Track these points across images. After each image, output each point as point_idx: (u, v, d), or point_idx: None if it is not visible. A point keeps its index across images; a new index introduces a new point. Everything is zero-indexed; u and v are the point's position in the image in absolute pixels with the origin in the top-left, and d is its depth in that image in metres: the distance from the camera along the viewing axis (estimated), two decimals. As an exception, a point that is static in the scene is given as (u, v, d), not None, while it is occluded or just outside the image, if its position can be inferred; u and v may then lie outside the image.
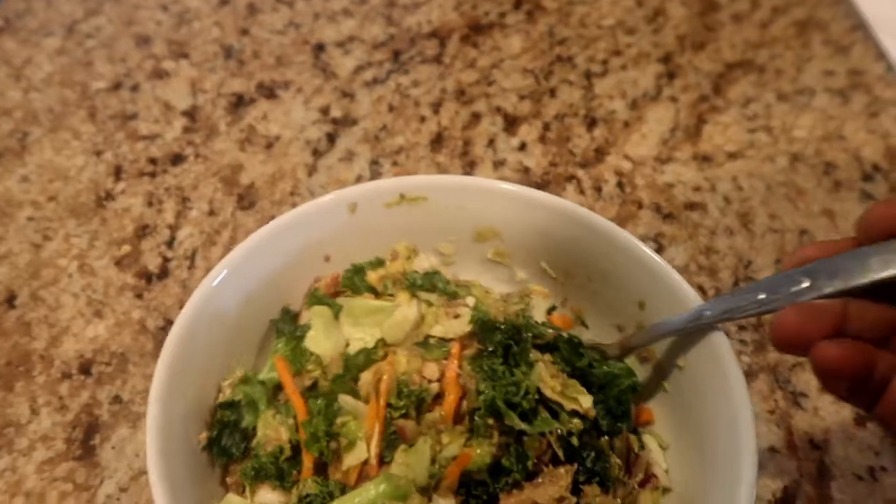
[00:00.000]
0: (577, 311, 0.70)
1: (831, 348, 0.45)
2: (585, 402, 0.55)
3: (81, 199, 0.91)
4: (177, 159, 0.97)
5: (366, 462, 0.53)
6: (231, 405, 0.58)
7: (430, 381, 0.55)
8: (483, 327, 0.57)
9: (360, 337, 0.58)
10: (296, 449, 0.55)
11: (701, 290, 0.85)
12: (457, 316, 0.58)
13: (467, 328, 0.57)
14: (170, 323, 0.78)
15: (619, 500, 0.55)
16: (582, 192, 0.95)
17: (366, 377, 0.55)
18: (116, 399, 0.71)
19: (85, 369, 0.74)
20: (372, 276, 0.64)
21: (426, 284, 0.62)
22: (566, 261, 0.68)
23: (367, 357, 0.56)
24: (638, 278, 0.63)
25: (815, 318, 0.46)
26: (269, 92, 1.07)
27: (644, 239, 0.90)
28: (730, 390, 0.55)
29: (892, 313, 0.47)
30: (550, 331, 0.60)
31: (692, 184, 0.96)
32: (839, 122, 1.05)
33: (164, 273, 0.83)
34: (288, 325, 0.63)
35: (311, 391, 0.57)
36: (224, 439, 0.57)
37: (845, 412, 0.73)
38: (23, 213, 0.89)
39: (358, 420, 0.53)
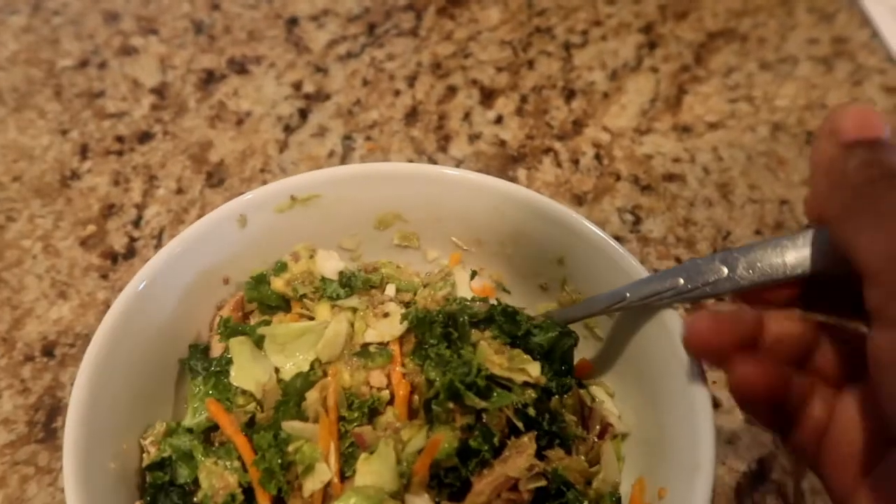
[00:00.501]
0: (496, 277, 0.67)
1: (748, 366, 0.43)
2: (534, 370, 0.54)
3: (46, 179, 0.89)
4: (144, 137, 0.95)
5: (328, 483, 0.50)
6: (160, 464, 0.53)
7: (379, 389, 0.53)
8: (419, 323, 0.55)
9: (292, 363, 0.54)
10: (248, 492, 0.51)
11: (678, 261, 0.84)
12: (386, 314, 0.56)
13: (401, 328, 0.55)
14: (136, 303, 0.76)
15: (583, 458, 0.55)
16: (559, 164, 0.94)
17: (311, 395, 0.52)
18: (80, 381, 0.70)
19: (48, 351, 0.72)
20: (277, 283, 0.60)
21: (343, 290, 0.60)
22: (475, 230, 0.66)
23: (306, 380, 0.53)
24: (553, 235, 0.62)
25: (730, 327, 0.44)
26: (240, 67, 1.05)
27: (621, 211, 0.89)
28: (672, 336, 0.53)
29: (809, 330, 0.45)
30: (483, 306, 0.58)
31: (671, 155, 0.95)
32: (822, 90, 1.03)
33: (130, 253, 0.81)
34: (200, 362, 0.58)
35: (249, 427, 0.53)
36: (161, 502, 0.52)
37: (823, 383, 0.72)
38: (-14, 193, 0.87)
39: (311, 442, 0.51)
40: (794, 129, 0.98)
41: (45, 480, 0.63)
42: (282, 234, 0.63)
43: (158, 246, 0.82)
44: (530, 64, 1.07)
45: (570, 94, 1.03)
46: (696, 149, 0.95)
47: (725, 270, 0.49)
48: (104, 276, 0.79)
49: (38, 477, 0.63)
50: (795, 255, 0.46)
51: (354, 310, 0.57)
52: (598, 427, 0.58)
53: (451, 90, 1.03)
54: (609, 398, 0.60)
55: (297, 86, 1.03)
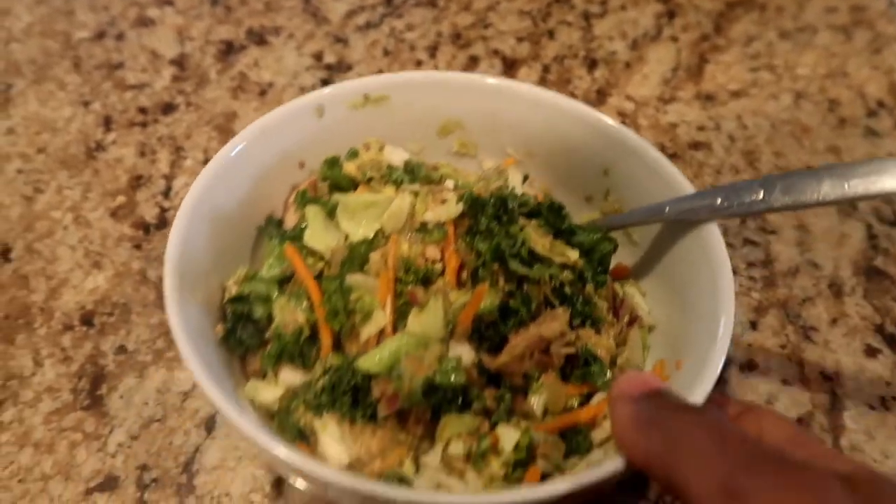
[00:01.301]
0: (543, 188, 0.73)
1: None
2: (573, 255, 0.60)
3: (71, 151, 0.88)
4: (168, 108, 0.94)
5: (381, 332, 0.55)
6: (240, 299, 0.60)
7: (433, 262, 0.58)
8: (473, 204, 0.59)
9: (359, 230, 0.60)
10: (312, 330, 0.58)
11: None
12: (443, 201, 0.61)
13: (458, 210, 0.59)
14: (171, 272, 0.76)
15: (611, 339, 0.60)
16: (585, 133, 0.94)
17: (374, 257, 0.58)
18: (121, 349, 0.70)
19: (87, 320, 0.72)
20: (349, 167, 0.66)
21: (407, 176, 0.64)
22: (528, 141, 0.72)
23: (370, 245, 0.59)
24: (600, 147, 0.67)
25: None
26: (259, 38, 1.04)
27: (649, 179, 0.89)
28: (704, 236, 0.59)
29: (799, 434, 0.45)
30: (532, 198, 0.64)
31: (696, 123, 0.95)
32: (842, 58, 1.04)
33: (162, 223, 0.81)
34: (276, 230, 0.65)
35: (317, 280, 0.59)
36: (239, 331, 0.59)
37: (856, 344, 0.73)
38: (11, 165, 0.86)
39: (370, 294, 0.56)
40: (816, 98, 0.98)
41: (94, 446, 0.63)
42: (354, 129, 0.69)
43: (190, 216, 0.81)
44: (551, 34, 1.07)
45: (592, 64, 1.03)
46: (720, 117, 0.96)
47: (762, 193, 0.54)
48: (137, 247, 0.78)
49: (86, 443, 0.64)
50: (830, 184, 0.51)
51: (416, 193, 0.62)
52: (627, 317, 0.63)
53: (473, 60, 1.02)
54: (640, 296, 0.65)
55: (318, 56, 1.02)
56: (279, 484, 0.62)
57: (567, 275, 0.59)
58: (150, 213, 0.82)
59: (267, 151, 0.65)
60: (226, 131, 0.92)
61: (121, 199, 0.83)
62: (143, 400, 0.66)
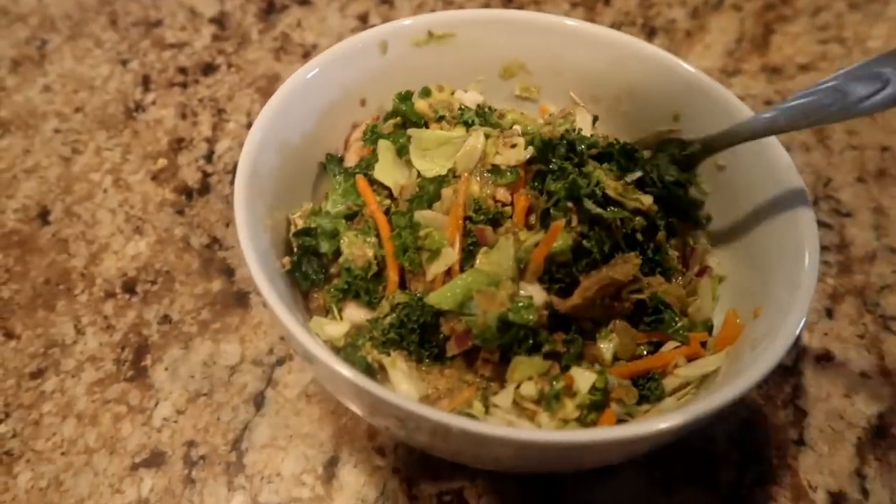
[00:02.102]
0: (607, 135, 0.69)
1: None
2: (646, 200, 0.58)
3: (110, 111, 0.85)
4: (208, 69, 0.90)
5: (449, 270, 0.55)
6: (307, 232, 0.59)
7: (503, 204, 0.57)
8: (543, 148, 0.58)
9: (432, 167, 0.59)
10: (379, 267, 0.57)
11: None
12: (513, 145, 0.59)
13: (528, 153, 0.58)
14: (215, 240, 0.73)
15: (682, 288, 0.59)
16: (645, 105, 0.89)
17: (446, 192, 0.57)
18: (165, 319, 0.67)
19: (129, 288, 0.69)
20: (420, 104, 0.65)
21: (479, 119, 0.63)
22: (593, 85, 0.69)
23: (441, 184, 0.58)
24: (671, 90, 0.65)
25: None
26: (302, -2, 0.99)
27: (714, 155, 0.85)
28: (784, 179, 0.57)
29: None
30: (603, 141, 0.61)
31: (763, 97, 0.90)
32: (917, 32, 0.98)
33: (205, 188, 0.77)
34: (337, 167, 0.64)
35: (385, 216, 0.59)
36: (304, 265, 0.59)
37: (938, 336, 0.69)
38: (48, 124, 0.83)
39: (439, 231, 0.55)
40: (890, 73, 0.93)
41: (139, 420, 0.61)
42: (417, 67, 0.67)
43: (233, 182, 0.78)
44: (607, 0, 1.02)
45: (650, 32, 0.98)
46: (787, 91, 0.91)
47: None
48: (180, 212, 0.75)
49: (130, 416, 0.61)
50: None
51: (487, 136, 0.60)
52: (697, 267, 0.62)
53: (526, 25, 0.97)
54: (711, 247, 0.63)
55: (363, 18, 0.98)
56: (331, 464, 0.59)
57: (640, 220, 0.57)
58: (192, 178, 0.78)
59: (331, 85, 0.64)
60: (269, 94, 0.86)
61: (162, 162, 0.80)
62: (189, 373, 0.64)
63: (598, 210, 0.54)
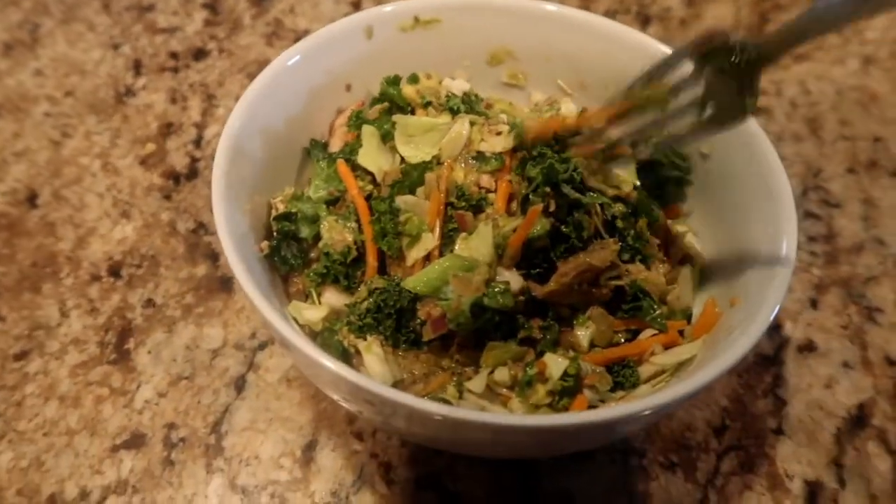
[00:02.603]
0: None
1: None
2: (626, 185, 0.58)
3: (100, 95, 0.85)
4: (199, 54, 0.90)
5: (428, 256, 0.55)
6: (287, 217, 0.59)
7: (487, 191, 0.57)
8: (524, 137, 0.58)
9: (416, 154, 0.59)
10: (359, 252, 0.57)
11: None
12: (498, 133, 0.59)
13: (512, 141, 0.58)
14: (201, 226, 0.73)
15: (662, 276, 0.58)
16: (637, 93, 0.89)
17: (429, 177, 0.57)
18: (149, 303, 0.67)
19: (114, 271, 0.70)
20: (408, 89, 0.64)
21: (464, 106, 0.63)
22: (581, 73, 0.69)
23: (424, 170, 0.58)
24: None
25: None
26: (295, -17, 0.99)
27: (705, 144, 0.84)
28: (765, 168, 0.56)
29: None
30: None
31: (756, 87, 0.89)
32: (915, 22, 0.97)
33: (192, 174, 0.78)
34: (321, 152, 0.64)
35: (366, 201, 0.59)
36: (283, 249, 0.59)
37: (923, 328, 0.68)
38: (39, 108, 0.83)
39: (419, 216, 0.55)
40: (886, 63, 0.92)
41: (121, 402, 0.61)
42: (403, 53, 0.67)
43: (221, 167, 0.78)
44: (602, -13, 1.01)
45: (645, 20, 0.97)
46: (782, 81, 0.90)
47: None
48: (167, 197, 0.75)
49: (112, 398, 0.62)
50: None
51: (473, 123, 0.60)
52: (679, 255, 0.62)
53: (520, 13, 0.97)
54: (692, 235, 0.63)
55: (356, 4, 0.97)
56: (310, 448, 0.59)
57: (619, 207, 0.57)
58: (180, 163, 0.79)
59: (316, 70, 0.64)
60: (259, 80, 0.88)
61: (150, 146, 0.80)
62: (172, 356, 0.64)
63: (576, 195, 0.54)
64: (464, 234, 0.55)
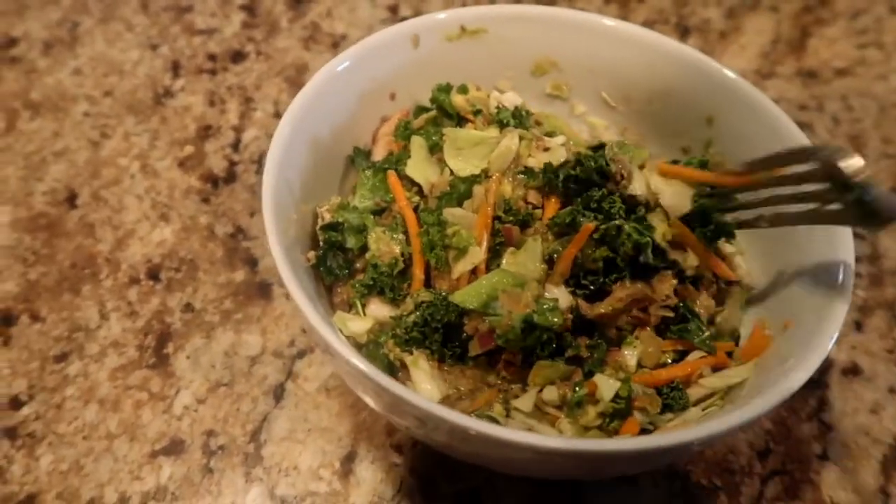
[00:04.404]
0: (638, 139, 0.70)
1: None
2: (692, 260, 0.56)
3: (139, 96, 0.85)
4: (237, 56, 0.90)
5: (475, 270, 0.54)
6: (334, 227, 0.59)
7: (534, 207, 0.57)
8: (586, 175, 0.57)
9: (464, 167, 0.59)
10: (406, 264, 0.57)
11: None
12: (547, 149, 0.58)
13: (561, 158, 0.58)
14: (240, 230, 0.73)
15: (711, 298, 0.58)
16: (676, 106, 0.88)
17: (477, 190, 0.57)
18: (188, 307, 0.67)
19: (153, 274, 0.69)
20: (458, 98, 0.64)
21: (514, 121, 0.62)
22: (625, 86, 0.68)
23: (472, 183, 0.58)
24: (706, 94, 0.64)
25: None
26: (333, -13, 0.99)
27: (746, 160, 0.83)
28: None
29: None
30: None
31: (797, 102, 0.88)
32: (960, 38, 0.95)
33: (230, 177, 0.78)
34: (365, 161, 0.64)
35: (414, 213, 0.59)
36: (329, 259, 0.59)
37: (970, 354, 0.67)
38: (78, 107, 0.83)
39: (467, 230, 0.55)
40: (930, 80, 0.91)
41: (160, 407, 0.61)
42: (448, 63, 0.67)
43: (259, 171, 0.78)
44: (640, -3, 1.00)
45: (684, 32, 0.96)
46: (823, 96, 0.89)
47: None
48: (205, 200, 0.75)
49: (151, 403, 0.61)
50: None
51: (521, 137, 0.59)
52: (727, 277, 0.60)
53: (558, 21, 0.96)
54: (740, 255, 0.62)
55: (394, 9, 0.97)
56: (349, 460, 0.59)
57: (668, 230, 0.55)
58: (218, 166, 0.78)
59: (363, 77, 0.63)
60: (297, 84, 0.87)
61: (189, 149, 0.80)
62: (211, 362, 0.64)
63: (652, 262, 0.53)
64: (511, 249, 0.54)
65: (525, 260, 0.54)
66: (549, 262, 0.54)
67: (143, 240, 0.72)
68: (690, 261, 0.55)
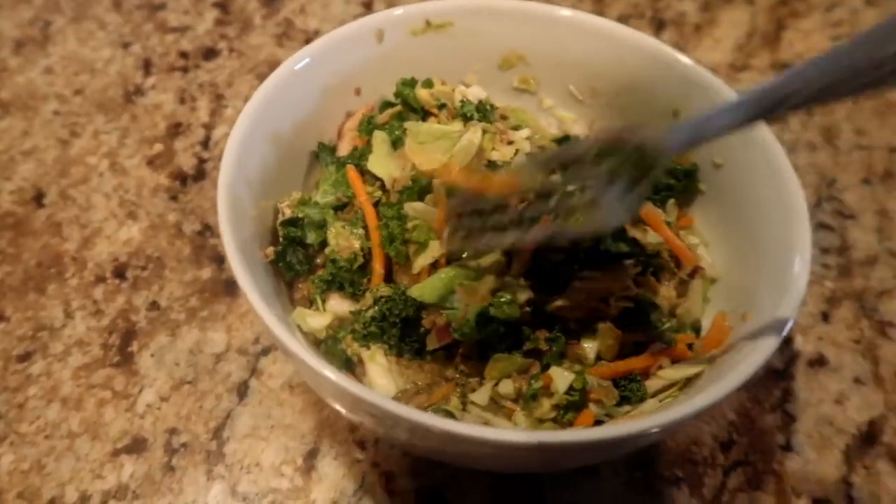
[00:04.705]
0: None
1: None
2: (653, 239, 0.57)
3: (109, 94, 0.85)
4: (209, 53, 0.90)
5: (435, 263, 0.54)
6: (293, 223, 0.59)
7: None
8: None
9: (427, 161, 0.58)
10: (365, 259, 0.57)
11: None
12: (510, 142, 0.58)
13: (525, 151, 0.57)
14: (207, 228, 0.73)
15: (673, 290, 0.58)
16: (649, 99, 0.88)
17: (437, 185, 0.56)
18: (154, 305, 0.67)
19: (119, 273, 0.69)
20: (422, 92, 0.64)
21: (478, 114, 0.62)
22: (593, 79, 0.68)
23: (434, 177, 0.57)
24: (670, 85, 0.63)
25: None
26: (306, -17, 0.98)
27: (717, 152, 0.83)
28: (780, 181, 0.55)
29: None
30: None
31: (770, 94, 0.88)
32: (934, 29, 0.95)
33: (200, 175, 0.77)
34: (329, 156, 0.64)
35: (374, 207, 0.59)
36: (289, 255, 0.58)
37: (937, 344, 0.67)
38: (48, 106, 0.83)
39: (427, 224, 0.54)
40: (904, 71, 0.90)
41: (123, 406, 0.61)
42: (414, 57, 0.66)
43: (228, 169, 0.78)
44: (615, -10, 1.00)
45: (659, 25, 0.96)
46: (796, 88, 0.89)
47: None
48: (174, 198, 0.75)
49: (114, 402, 0.61)
50: None
51: (485, 131, 0.59)
52: (689, 267, 0.60)
53: (532, 15, 0.96)
54: (703, 246, 0.62)
55: (367, 4, 0.97)
56: (311, 456, 0.59)
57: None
58: (187, 164, 0.78)
59: (325, 73, 0.63)
60: (268, 80, 0.87)
61: (158, 147, 0.80)
62: (175, 360, 0.64)
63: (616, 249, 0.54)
64: None
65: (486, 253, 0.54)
66: (509, 255, 0.54)
67: (110, 238, 0.72)
68: (651, 238, 0.55)
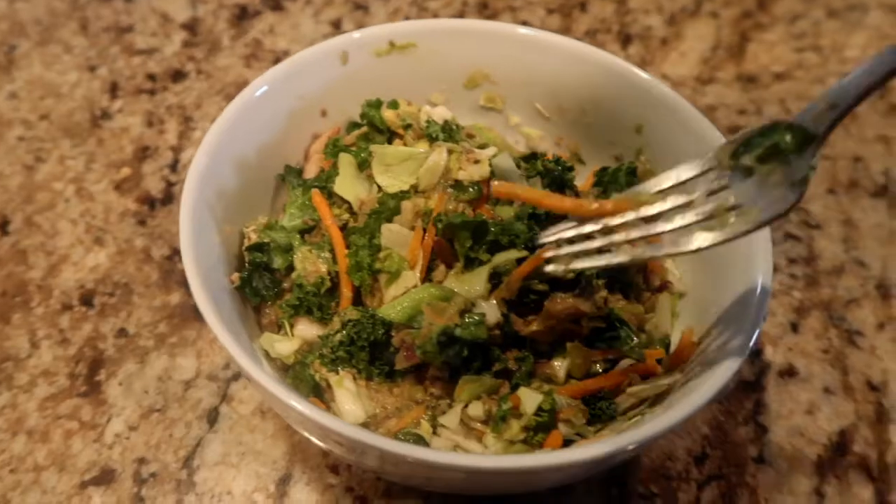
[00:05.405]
0: (573, 148, 0.71)
1: None
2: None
3: (76, 118, 0.84)
4: (177, 75, 0.89)
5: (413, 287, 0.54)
6: (259, 248, 0.58)
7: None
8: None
9: (393, 183, 0.58)
10: (333, 283, 0.57)
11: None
12: (476, 161, 0.58)
13: (489, 170, 0.58)
14: (176, 252, 0.72)
15: (641, 306, 0.58)
16: (617, 114, 0.88)
17: (406, 206, 0.56)
18: (122, 332, 0.66)
19: (86, 300, 0.68)
20: (388, 113, 0.64)
21: (444, 135, 0.62)
22: (559, 96, 0.69)
23: (401, 199, 0.57)
24: (634, 103, 0.65)
25: None
26: (275, 3, 0.98)
27: (685, 165, 0.84)
28: None
29: None
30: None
31: (736, 106, 0.89)
32: (894, 40, 0.97)
33: (168, 198, 0.77)
34: (296, 179, 0.64)
35: (342, 231, 0.58)
36: (255, 281, 0.58)
37: (904, 351, 0.68)
38: (12, 132, 0.82)
39: (400, 251, 0.54)
40: (866, 82, 0.92)
41: (91, 436, 0.60)
42: (378, 79, 0.67)
43: (197, 191, 0.77)
44: (582, 6, 1.01)
45: (626, 39, 0.97)
46: (762, 100, 0.90)
47: None
48: (141, 223, 0.74)
49: (82, 432, 0.60)
50: None
51: (450, 151, 0.59)
52: (658, 282, 0.61)
53: (500, 32, 0.96)
54: (671, 261, 0.62)
55: (336, 24, 0.97)
56: (283, 483, 0.58)
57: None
58: (155, 188, 0.78)
59: (289, 96, 0.63)
60: (237, 102, 0.87)
61: (125, 170, 0.79)
62: (143, 388, 0.63)
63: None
64: (456, 270, 0.54)
65: (471, 278, 0.53)
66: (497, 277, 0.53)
67: (77, 265, 0.71)
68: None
